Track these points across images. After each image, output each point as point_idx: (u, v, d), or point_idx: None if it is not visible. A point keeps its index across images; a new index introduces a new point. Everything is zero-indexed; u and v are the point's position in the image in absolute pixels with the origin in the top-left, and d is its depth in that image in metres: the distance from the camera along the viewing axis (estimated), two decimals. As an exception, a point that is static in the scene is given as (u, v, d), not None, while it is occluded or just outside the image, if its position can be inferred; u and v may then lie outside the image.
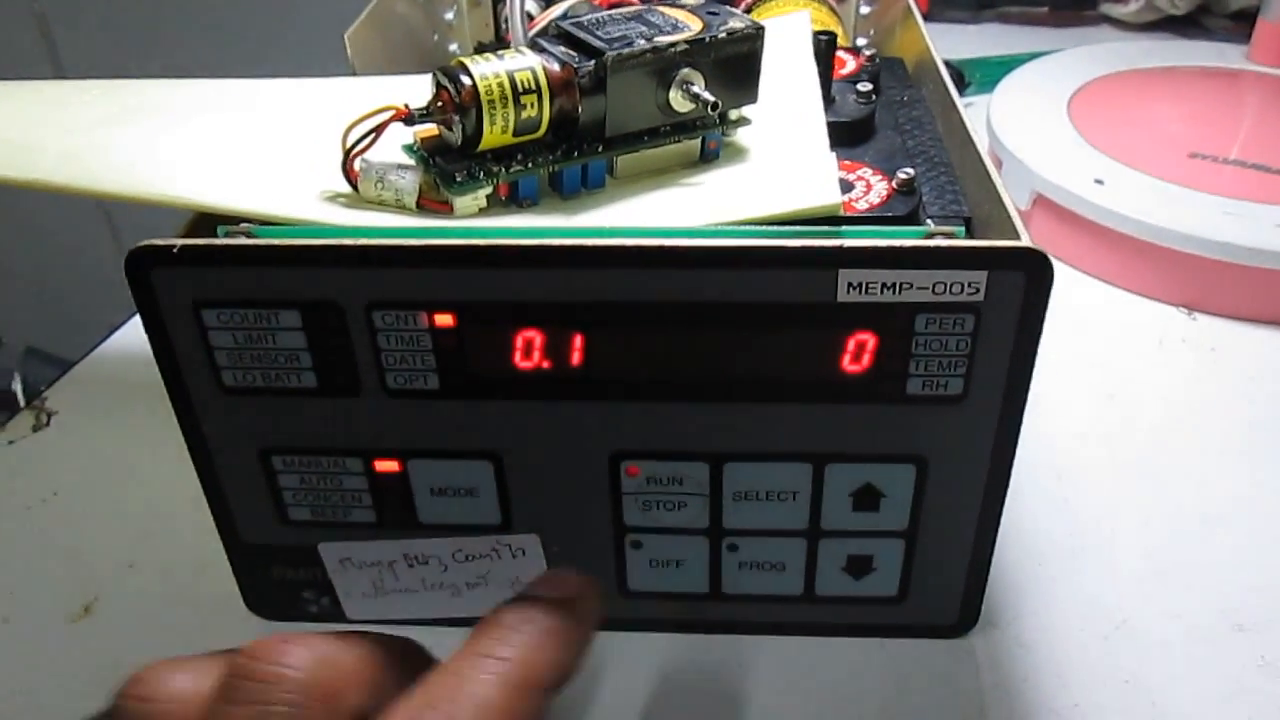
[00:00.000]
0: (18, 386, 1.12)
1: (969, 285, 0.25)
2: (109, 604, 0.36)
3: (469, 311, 0.27)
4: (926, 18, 0.47)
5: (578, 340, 0.27)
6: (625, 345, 0.27)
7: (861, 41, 0.56)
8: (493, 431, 0.29)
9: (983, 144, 0.31)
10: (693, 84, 0.31)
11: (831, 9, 0.53)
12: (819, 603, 0.32)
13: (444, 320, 0.27)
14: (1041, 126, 0.56)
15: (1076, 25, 0.84)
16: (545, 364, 0.27)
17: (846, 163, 0.33)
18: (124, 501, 0.40)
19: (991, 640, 0.33)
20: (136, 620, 0.35)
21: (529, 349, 0.27)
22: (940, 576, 0.31)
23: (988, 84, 0.70)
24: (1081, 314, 0.50)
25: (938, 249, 0.25)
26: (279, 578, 0.33)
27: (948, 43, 0.76)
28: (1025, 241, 0.25)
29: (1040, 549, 0.37)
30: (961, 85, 0.72)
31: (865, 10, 0.57)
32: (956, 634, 0.33)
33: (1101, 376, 0.45)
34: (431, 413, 0.29)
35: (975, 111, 0.63)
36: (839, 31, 0.50)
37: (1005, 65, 0.71)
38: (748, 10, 0.53)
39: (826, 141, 0.31)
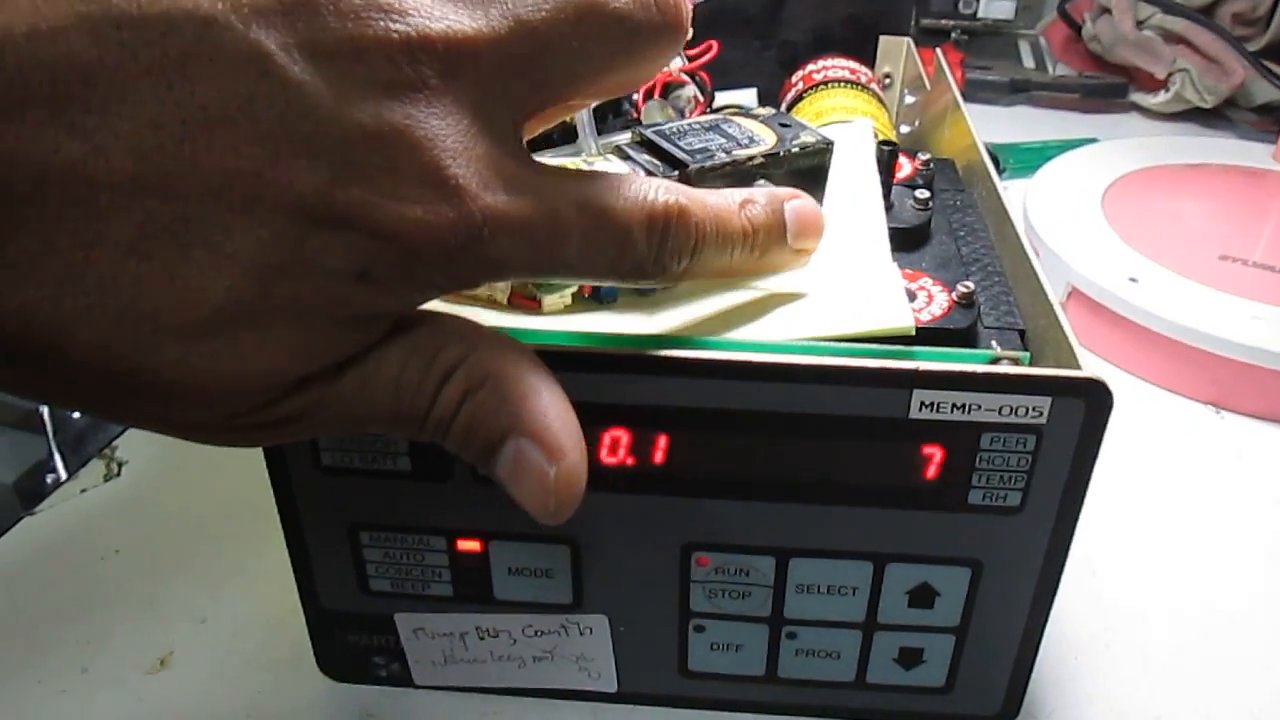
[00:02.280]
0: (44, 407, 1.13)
1: (1033, 409, 0.27)
2: (184, 658, 0.37)
3: (562, 410, 0.28)
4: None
5: (662, 440, 0.29)
6: (706, 447, 0.29)
7: (905, 129, 0.58)
8: (573, 519, 0.31)
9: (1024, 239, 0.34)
10: (767, 195, 0.33)
11: (878, 99, 0.55)
12: (869, 689, 0.34)
13: (538, 416, 0.29)
14: (1076, 221, 0.59)
15: (1105, 112, 0.86)
16: (629, 460, 0.29)
17: (907, 271, 0.35)
18: (194, 555, 0.42)
19: (1031, 732, 0.35)
20: (211, 676, 0.37)
21: (615, 446, 0.29)
22: (987, 670, 0.33)
23: (1022, 169, 0.72)
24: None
25: (1006, 376, 0.27)
26: (353, 642, 0.35)
27: (979, 124, 0.78)
28: (1087, 372, 0.27)
29: (1076, 643, 0.38)
30: (997, 170, 0.74)
31: (910, 100, 0.59)
32: (998, 725, 0.34)
33: (1130, 471, 0.47)
34: (517, 499, 0.30)
35: (1010, 196, 0.65)
36: (883, 120, 0.52)
37: (1039, 152, 0.74)
38: (798, 99, 0.55)
39: (889, 257, 0.33)
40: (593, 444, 0.29)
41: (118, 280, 0.18)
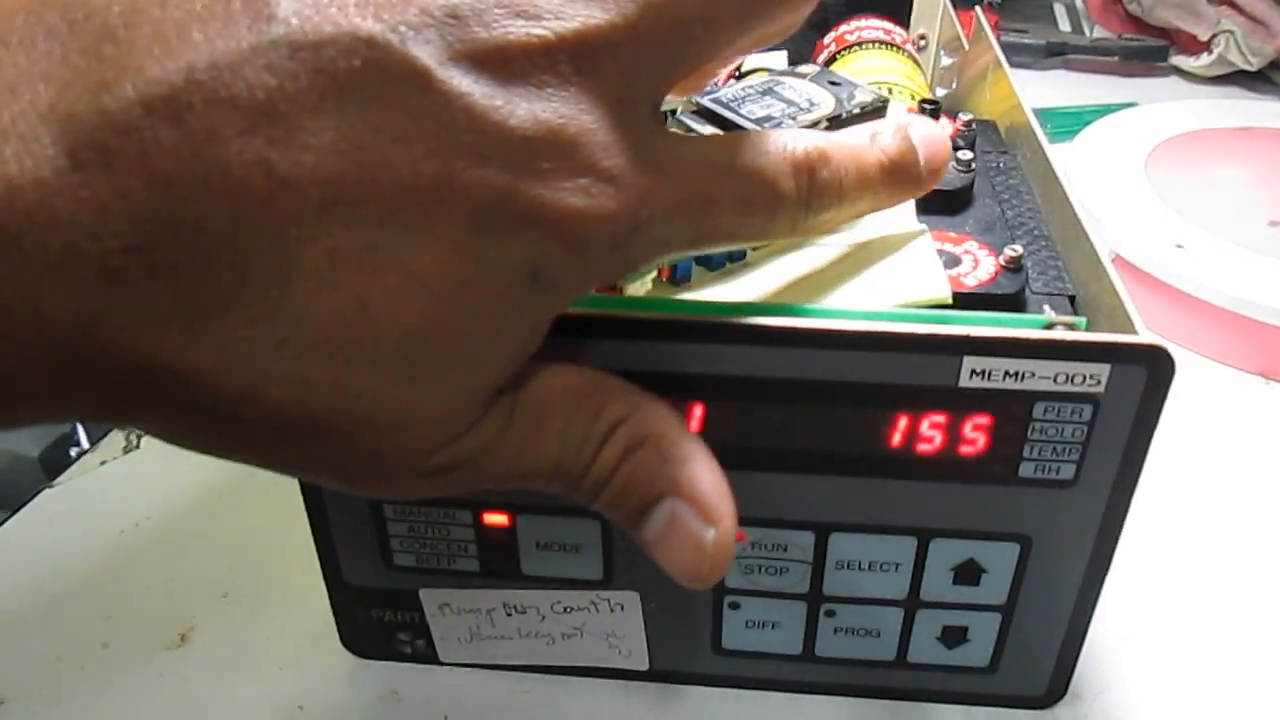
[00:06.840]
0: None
1: (1090, 377, 0.26)
2: (205, 633, 0.37)
3: (594, 379, 0.27)
4: (994, 62, 0.47)
5: (698, 410, 0.27)
6: (743, 417, 0.28)
7: (941, 92, 0.57)
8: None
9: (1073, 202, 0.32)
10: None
11: (914, 60, 0.53)
12: (910, 669, 0.33)
13: (568, 385, 0.27)
14: (1119, 186, 0.57)
15: (1144, 76, 0.84)
16: (663, 431, 0.28)
17: (952, 235, 0.33)
18: (214, 529, 0.41)
19: (1077, 713, 0.33)
20: (233, 651, 0.36)
21: (648, 416, 0.28)
22: (1033, 650, 0.32)
23: (1058, 134, 0.70)
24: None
25: (1063, 342, 0.25)
26: (377, 618, 0.34)
27: (1016, 89, 0.77)
28: (1149, 337, 0.25)
29: (1122, 623, 0.37)
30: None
31: (946, 62, 0.58)
32: (1043, 706, 0.33)
33: (1177, 445, 0.45)
34: (545, 471, 0.29)
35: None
36: (920, 81, 0.51)
37: (1077, 116, 0.71)
38: (830, 61, 0.54)
39: (915, 217, 0.32)
40: (625, 414, 0.28)
41: (312, 313, 0.18)
